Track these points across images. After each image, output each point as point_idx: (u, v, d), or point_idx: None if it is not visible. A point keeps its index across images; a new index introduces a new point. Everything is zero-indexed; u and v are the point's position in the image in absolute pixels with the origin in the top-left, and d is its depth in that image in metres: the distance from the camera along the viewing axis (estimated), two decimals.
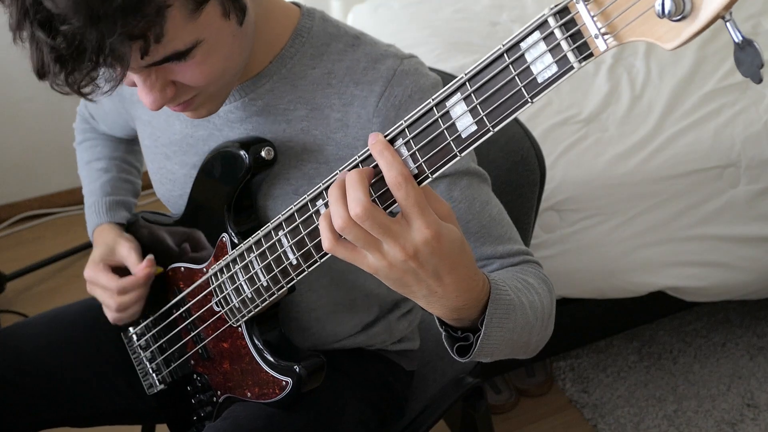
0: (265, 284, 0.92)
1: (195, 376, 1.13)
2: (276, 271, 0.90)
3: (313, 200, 0.81)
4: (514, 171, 1.30)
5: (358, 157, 0.76)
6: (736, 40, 0.58)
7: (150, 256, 1.11)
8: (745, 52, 0.58)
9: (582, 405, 1.99)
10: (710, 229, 1.85)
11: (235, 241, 0.99)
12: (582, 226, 1.79)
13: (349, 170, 0.75)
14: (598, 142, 1.83)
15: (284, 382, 1.00)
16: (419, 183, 0.73)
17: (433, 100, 0.71)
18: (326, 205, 0.79)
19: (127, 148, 1.33)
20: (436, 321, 0.83)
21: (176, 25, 0.76)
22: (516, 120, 1.35)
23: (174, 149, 1.08)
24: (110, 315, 1.12)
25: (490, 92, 0.68)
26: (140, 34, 0.73)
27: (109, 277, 1.10)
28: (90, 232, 1.22)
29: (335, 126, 0.96)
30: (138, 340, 1.18)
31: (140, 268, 1.09)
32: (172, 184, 1.10)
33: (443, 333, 0.83)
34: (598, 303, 1.90)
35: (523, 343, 0.88)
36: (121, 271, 1.13)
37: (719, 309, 2.24)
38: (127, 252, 1.13)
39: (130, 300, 1.09)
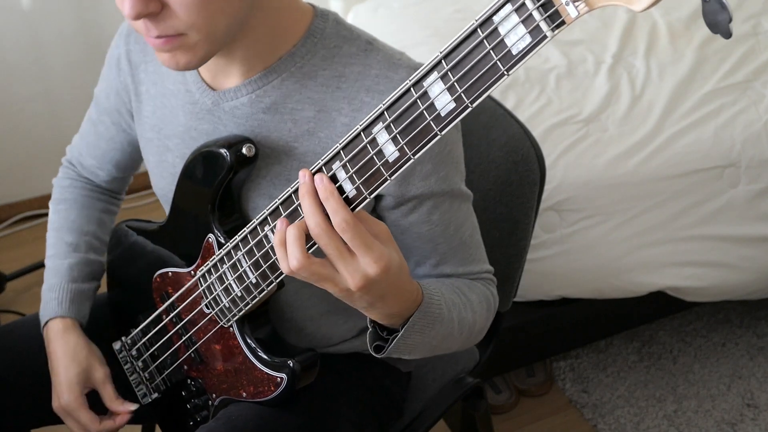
0: (254, 281, 0.93)
1: (189, 381, 1.13)
2: (264, 266, 0.90)
3: (297, 192, 0.82)
4: (514, 171, 1.30)
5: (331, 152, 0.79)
6: None
7: (131, 407, 1.13)
8: (713, 6, 0.58)
9: (582, 405, 1.99)
10: (710, 229, 1.85)
11: (222, 240, 0.98)
12: (582, 226, 1.79)
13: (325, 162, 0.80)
14: (598, 142, 1.83)
15: (279, 379, 1.00)
16: (402, 165, 0.75)
17: (410, 80, 0.72)
18: None
19: (99, 219, 1.27)
20: (367, 319, 0.89)
21: None
22: (516, 120, 1.35)
23: (176, 141, 1.08)
24: None
25: (466, 68, 0.68)
26: None
27: (90, 417, 1.11)
28: (46, 317, 1.16)
29: (342, 130, 0.95)
30: (129, 350, 1.17)
31: (120, 412, 1.12)
32: (172, 177, 1.09)
33: (369, 329, 0.91)
34: (598, 303, 1.89)
35: (445, 348, 0.98)
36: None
37: (719, 309, 2.24)
38: (103, 381, 1.13)
39: None
